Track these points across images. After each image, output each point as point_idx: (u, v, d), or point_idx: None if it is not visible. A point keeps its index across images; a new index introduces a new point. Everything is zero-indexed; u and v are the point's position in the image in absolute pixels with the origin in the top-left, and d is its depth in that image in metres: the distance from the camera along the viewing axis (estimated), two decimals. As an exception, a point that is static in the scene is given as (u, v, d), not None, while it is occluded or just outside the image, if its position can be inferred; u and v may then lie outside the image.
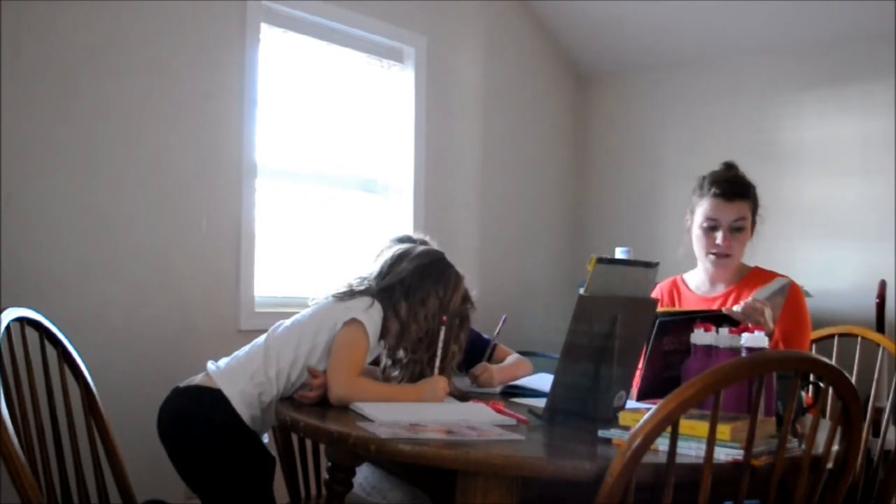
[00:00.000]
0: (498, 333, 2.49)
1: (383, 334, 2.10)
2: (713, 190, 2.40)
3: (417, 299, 2.09)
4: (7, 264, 2.55)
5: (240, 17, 3.18)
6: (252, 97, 3.21)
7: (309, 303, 2.19)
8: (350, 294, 2.10)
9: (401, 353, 2.11)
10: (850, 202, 3.92)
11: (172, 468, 2.08)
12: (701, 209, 2.43)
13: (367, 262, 2.26)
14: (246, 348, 2.14)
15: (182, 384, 2.12)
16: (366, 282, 2.13)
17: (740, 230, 2.40)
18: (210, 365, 2.11)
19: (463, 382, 2.31)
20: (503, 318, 2.51)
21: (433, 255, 2.19)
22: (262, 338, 2.14)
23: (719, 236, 2.40)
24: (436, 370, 2.06)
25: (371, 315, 2.04)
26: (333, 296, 2.12)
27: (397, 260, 2.16)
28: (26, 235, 2.63)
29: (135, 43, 2.88)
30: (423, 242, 2.37)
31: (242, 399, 2.02)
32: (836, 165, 3.98)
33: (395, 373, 2.11)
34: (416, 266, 2.13)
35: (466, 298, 2.17)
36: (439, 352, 2.07)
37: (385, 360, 2.13)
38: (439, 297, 2.10)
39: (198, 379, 2.10)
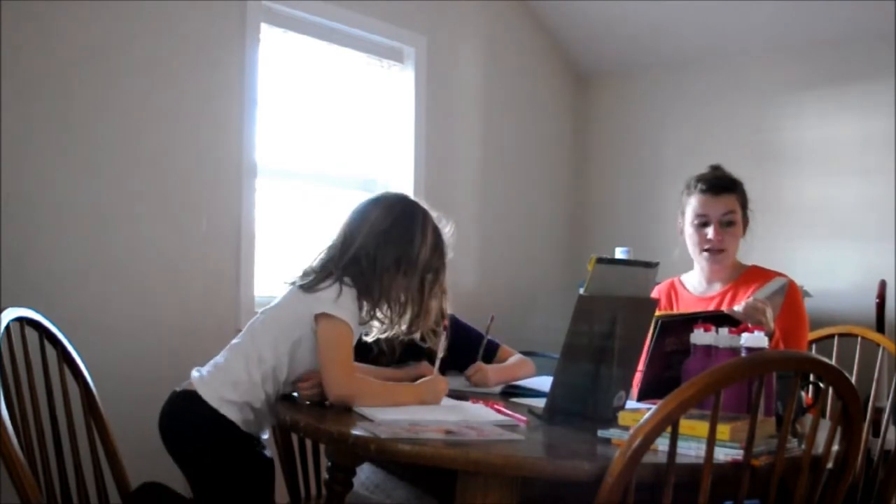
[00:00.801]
0: (487, 332, 2.46)
1: (363, 310, 2.01)
2: (700, 186, 2.44)
3: (385, 268, 1.99)
4: (7, 264, 2.55)
5: (240, 17, 3.18)
6: (252, 97, 3.21)
7: (279, 287, 2.10)
8: (315, 281, 1.98)
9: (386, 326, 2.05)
10: (850, 202, 3.92)
11: (172, 468, 2.07)
12: (690, 207, 2.47)
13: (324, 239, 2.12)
14: (224, 354, 2.05)
15: (178, 388, 2.06)
16: (329, 263, 2.01)
17: (731, 224, 2.43)
18: (194, 373, 2.04)
19: (458, 382, 2.30)
20: (491, 317, 2.47)
21: (393, 214, 2.05)
22: (238, 340, 2.05)
23: (710, 231, 2.42)
24: (436, 368, 2.05)
25: (342, 304, 1.94)
26: (300, 287, 2.00)
27: (354, 229, 2.03)
28: (26, 235, 2.63)
29: (135, 43, 2.88)
30: None
31: (230, 409, 1.95)
32: (835, 165, 3.97)
33: (383, 336, 2.07)
34: (376, 235, 2.01)
35: (436, 248, 2.05)
36: (440, 349, 2.05)
37: (374, 334, 2.08)
38: (409, 257, 2.00)
39: (186, 384, 2.04)
